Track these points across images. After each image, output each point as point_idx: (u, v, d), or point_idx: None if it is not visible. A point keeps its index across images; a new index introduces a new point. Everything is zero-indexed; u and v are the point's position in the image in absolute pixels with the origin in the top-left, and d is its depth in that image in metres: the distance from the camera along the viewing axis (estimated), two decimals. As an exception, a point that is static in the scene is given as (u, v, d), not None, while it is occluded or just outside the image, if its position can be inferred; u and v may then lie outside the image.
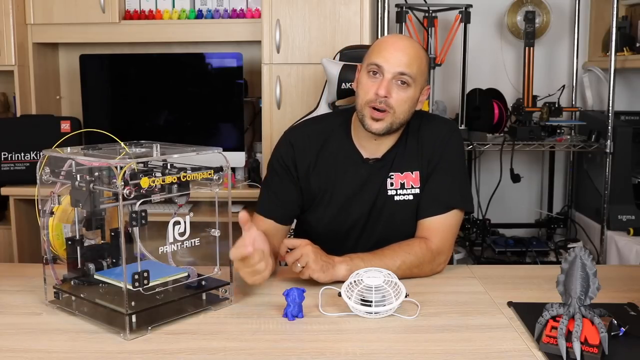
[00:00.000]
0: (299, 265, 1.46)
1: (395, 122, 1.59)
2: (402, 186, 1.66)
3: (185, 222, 1.31)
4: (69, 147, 1.36)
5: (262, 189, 1.74)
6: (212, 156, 1.36)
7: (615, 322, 1.21)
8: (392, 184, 1.66)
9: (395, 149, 1.67)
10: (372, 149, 1.67)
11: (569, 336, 1.14)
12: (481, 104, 2.94)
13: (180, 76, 2.91)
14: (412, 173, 1.66)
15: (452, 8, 2.89)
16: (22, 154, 2.77)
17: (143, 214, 1.23)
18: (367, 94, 1.58)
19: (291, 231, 1.89)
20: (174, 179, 1.30)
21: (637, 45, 2.85)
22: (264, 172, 2.31)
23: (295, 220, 1.82)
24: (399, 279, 1.36)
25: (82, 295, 1.34)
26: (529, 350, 1.18)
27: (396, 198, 1.66)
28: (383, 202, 1.66)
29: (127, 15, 2.89)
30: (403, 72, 1.55)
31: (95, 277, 1.36)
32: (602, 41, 3.06)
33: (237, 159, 2.82)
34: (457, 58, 2.98)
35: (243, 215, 1.38)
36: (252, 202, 2.34)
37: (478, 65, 3.13)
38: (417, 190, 1.66)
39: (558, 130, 2.95)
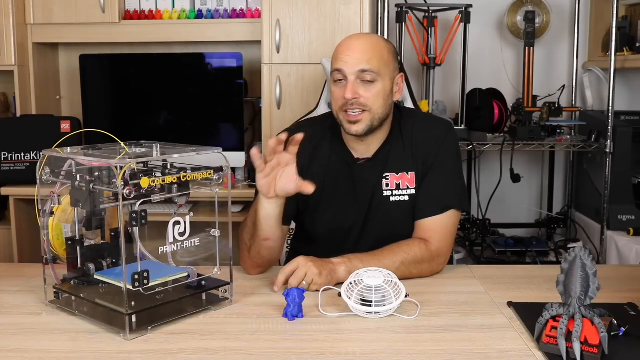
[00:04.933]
0: (305, 283, 1.45)
1: (374, 119, 1.59)
2: (398, 187, 1.66)
3: (185, 222, 1.31)
4: (69, 147, 1.36)
5: (257, 191, 1.72)
6: (212, 156, 1.36)
7: (615, 322, 1.21)
8: (387, 185, 1.66)
9: (386, 147, 1.67)
10: (361, 149, 1.67)
11: (569, 336, 1.14)
12: (481, 104, 2.93)
13: (180, 76, 2.91)
14: (407, 174, 1.66)
15: (452, 8, 2.88)
16: (22, 154, 2.77)
17: (143, 214, 1.23)
18: (338, 101, 1.60)
19: (290, 233, 1.89)
20: (174, 179, 1.30)
21: (637, 45, 2.85)
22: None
23: (294, 224, 1.82)
24: (398, 279, 1.36)
25: (82, 295, 1.33)
26: (529, 350, 1.18)
27: (392, 199, 1.66)
28: (379, 202, 1.66)
29: (127, 15, 2.89)
30: (364, 69, 1.56)
31: (95, 277, 1.36)
32: (602, 41, 3.06)
33: (237, 159, 2.82)
34: (457, 58, 2.98)
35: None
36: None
37: (478, 65, 3.12)
38: (413, 191, 1.66)
39: (558, 130, 2.95)
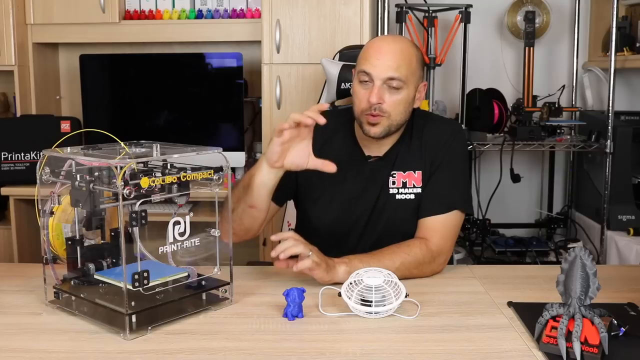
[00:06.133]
0: (308, 254, 1.43)
1: (392, 124, 1.60)
2: (404, 185, 1.66)
3: (185, 222, 1.31)
4: (69, 147, 1.36)
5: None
6: (212, 156, 1.36)
7: (615, 322, 1.21)
8: (394, 182, 1.66)
9: (397, 147, 1.67)
10: (374, 148, 1.68)
11: (569, 336, 1.14)
12: (481, 104, 2.94)
13: (180, 76, 2.91)
14: (414, 172, 1.66)
15: (452, 8, 2.89)
16: (22, 154, 2.77)
17: (143, 214, 1.23)
18: (361, 103, 1.59)
19: (292, 229, 1.89)
20: (174, 179, 1.29)
21: (637, 45, 2.85)
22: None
23: (296, 217, 1.82)
24: (399, 279, 1.36)
25: (82, 295, 1.33)
26: (529, 350, 1.18)
27: (397, 197, 1.66)
28: (385, 200, 1.66)
29: (127, 15, 2.89)
30: (392, 77, 1.55)
31: (95, 277, 1.36)
32: (602, 41, 3.06)
33: (237, 159, 2.82)
34: (457, 58, 2.98)
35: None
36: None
37: (478, 65, 3.13)
38: (419, 190, 1.66)
39: (558, 130, 2.95)
